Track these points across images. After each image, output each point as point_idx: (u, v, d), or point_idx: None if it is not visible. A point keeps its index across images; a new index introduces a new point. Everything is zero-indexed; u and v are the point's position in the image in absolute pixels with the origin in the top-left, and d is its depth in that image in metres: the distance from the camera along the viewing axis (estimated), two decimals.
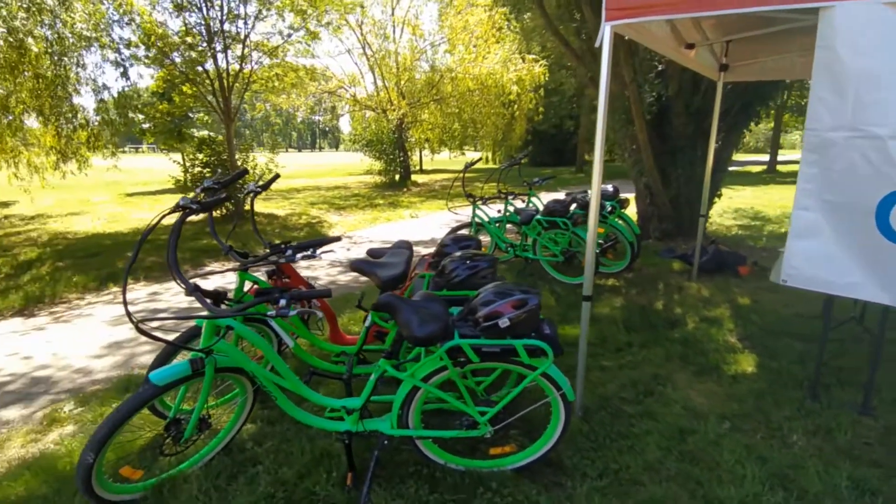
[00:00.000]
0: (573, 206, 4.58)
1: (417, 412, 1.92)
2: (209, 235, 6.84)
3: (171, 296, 4.63)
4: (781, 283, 2.07)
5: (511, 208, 4.93)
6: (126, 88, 9.53)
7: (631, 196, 5.74)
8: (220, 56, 8.43)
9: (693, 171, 5.67)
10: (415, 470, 1.98)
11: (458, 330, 1.78)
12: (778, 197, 11.04)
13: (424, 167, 27.27)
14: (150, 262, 5.69)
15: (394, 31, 16.37)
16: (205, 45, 8.41)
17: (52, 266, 5.63)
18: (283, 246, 2.42)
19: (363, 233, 7.91)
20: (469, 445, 2.12)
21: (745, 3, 1.95)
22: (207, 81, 8.67)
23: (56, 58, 7.41)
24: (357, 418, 1.90)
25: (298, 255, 2.37)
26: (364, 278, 5.08)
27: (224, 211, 8.61)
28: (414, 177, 18.27)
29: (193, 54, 8.52)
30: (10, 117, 7.64)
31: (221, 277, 5.16)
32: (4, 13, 6.55)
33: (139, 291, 4.80)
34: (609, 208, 4.57)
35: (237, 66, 8.75)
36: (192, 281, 1.66)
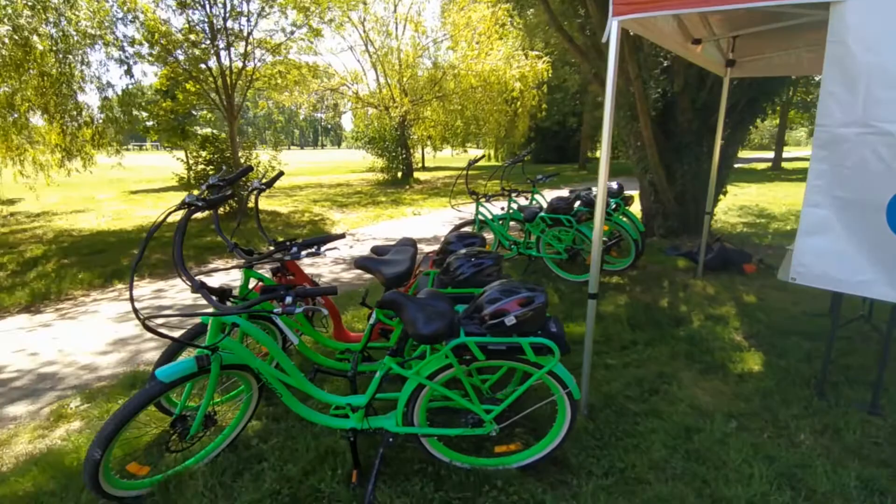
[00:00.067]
0: (577, 204, 4.57)
1: (423, 410, 1.92)
2: (213, 233, 6.86)
3: (176, 292, 4.64)
4: (790, 281, 2.05)
5: (514, 205, 4.92)
6: (130, 86, 9.60)
7: (635, 193, 5.72)
8: (223, 53, 8.44)
9: (698, 168, 5.63)
10: (420, 467, 1.98)
11: (464, 328, 1.78)
12: (783, 194, 10.97)
13: (427, 164, 27.26)
14: (155, 259, 5.71)
15: (396, 28, 16.34)
16: (208, 42, 8.41)
17: (57, 263, 5.66)
18: (287, 243, 2.42)
19: (366, 230, 7.91)
20: (474, 443, 2.11)
21: None
22: (211, 79, 8.68)
23: (61, 55, 7.44)
24: (362, 415, 1.90)
25: (303, 253, 2.37)
26: (367, 275, 5.09)
27: (228, 208, 8.63)
28: (416, 174, 18.26)
29: (197, 52, 8.53)
30: (16, 115, 7.67)
31: (225, 275, 5.17)
32: (10, 11, 6.57)
33: (144, 288, 4.82)
34: (613, 205, 4.55)
35: (240, 64, 8.76)
36: (197, 278, 1.65)
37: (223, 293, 1.85)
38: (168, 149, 15.86)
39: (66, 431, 2.39)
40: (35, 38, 6.89)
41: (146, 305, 4.32)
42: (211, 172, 8.59)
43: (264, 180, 2.64)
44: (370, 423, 1.91)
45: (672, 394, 2.57)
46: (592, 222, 4.06)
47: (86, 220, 8.85)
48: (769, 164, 19.91)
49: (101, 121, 8.81)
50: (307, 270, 5.27)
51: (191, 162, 11.09)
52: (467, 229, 4.76)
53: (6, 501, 1.88)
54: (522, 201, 5.13)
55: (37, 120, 8.37)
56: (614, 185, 4.73)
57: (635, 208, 6.05)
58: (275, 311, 1.60)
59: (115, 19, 8.38)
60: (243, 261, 2.32)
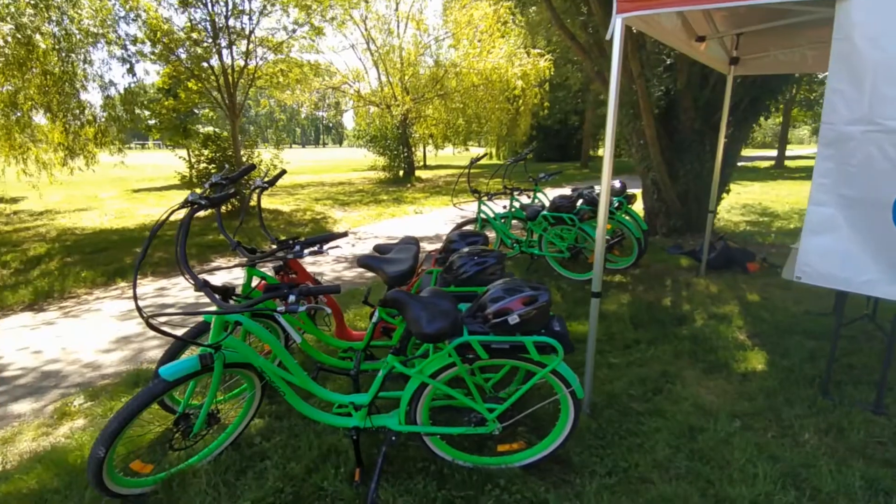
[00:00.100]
0: (579, 202, 4.55)
1: (425, 408, 1.92)
2: (216, 231, 6.87)
3: (179, 291, 4.65)
4: (795, 280, 2.04)
5: (517, 204, 4.91)
6: (132, 85, 9.60)
7: (638, 192, 5.70)
8: (224, 52, 8.46)
9: (701, 167, 5.61)
10: (423, 466, 1.98)
11: (468, 326, 1.77)
12: (786, 192, 10.92)
13: (428, 163, 27.23)
14: (158, 257, 5.72)
15: (398, 26, 16.31)
16: (210, 40, 8.42)
17: (60, 261, 5.67)
18: (290, 242, 2.42)
19: (368, 229, 7.91)
20: (477, 442, 2.11)
21: None
22: (213, 77, 8.70)
23: (63, 54, 7.45)
24: (365, 414, 1.90)
25: (306, 251, 2.37)
26: (370, 274, 5.09)
27: (230, 207, 8.64)
28: (418, 173, 18.23)
29: (199, 50, 8.54)
30: (19, 114, 7.70)
31: (228, 273, 5.18)
32: (13, 10, 6.58)
33: (147, 286, 4.83)
34: (616, 204, 4.54)
35: (242, 62, 8.77)
36: (200, 277, 1.65)
37: (226, 291, 1.85)
38: (170, 147, 15.91)
39: (70, 429, 2.40)
40: (38, 36, 6.91)
41: (149, 304, 4.33)
42: (213, 171, 8.60)
43: (266, 179, 2.64)
44: (373, 421, 1.90)
45: (675, 393, 2.56)
46: (595, 221, 4.06)
47: (89, 219, 8.87)
48: (772, 162, 19.83)
49: (103, 119, 8.83)
50: (310, 269, 5.27)
51: (193, 160, 11.10)
52: (470, 228, 4.76)
53: (11, 499, 1.89)
54: (525, 200, 5.12)
55: (40, 118, 8.40)
56: (617, 183, 4.71)
57: (638, 207, 6.03)
58: (278, 309, 1.60)
59: (117, 18, 8.40)
60: (246, 259, 2.32)
